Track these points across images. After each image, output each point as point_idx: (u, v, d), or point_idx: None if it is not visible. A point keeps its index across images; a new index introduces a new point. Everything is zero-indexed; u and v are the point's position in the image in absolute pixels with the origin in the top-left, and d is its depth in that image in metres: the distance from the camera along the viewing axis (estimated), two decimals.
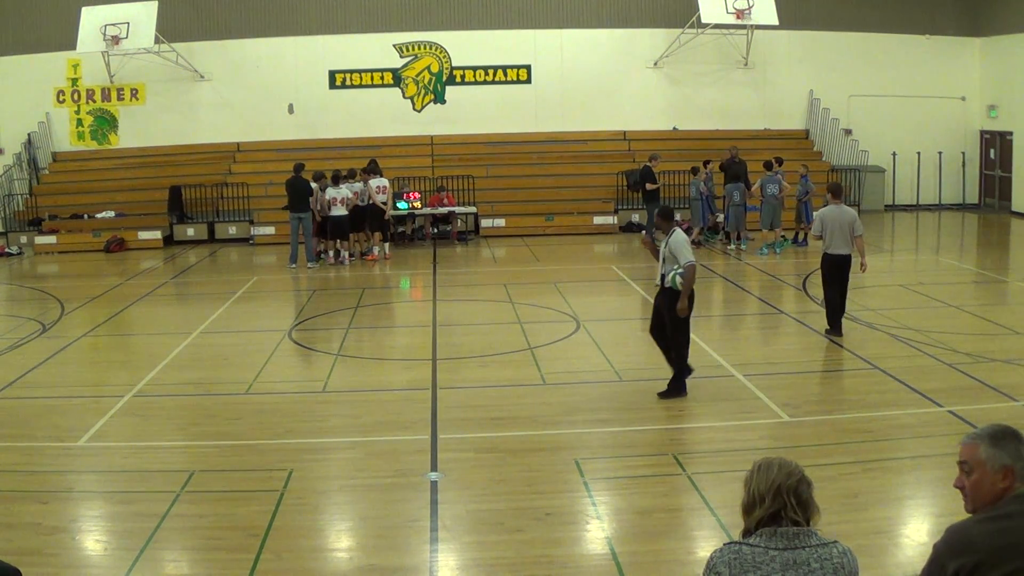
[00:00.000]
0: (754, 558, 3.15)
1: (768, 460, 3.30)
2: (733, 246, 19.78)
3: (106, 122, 24.48)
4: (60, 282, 18.41)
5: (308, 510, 7.21)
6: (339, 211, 18.44)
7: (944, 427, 8.65)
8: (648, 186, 19.88)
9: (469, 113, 24.80)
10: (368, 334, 13.50)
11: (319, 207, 18.50)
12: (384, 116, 24.61)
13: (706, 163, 20.27)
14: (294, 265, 18.51)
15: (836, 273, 11.91)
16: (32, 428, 9.14)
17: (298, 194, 18.42)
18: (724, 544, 3.28)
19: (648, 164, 20.05)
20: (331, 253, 18.98)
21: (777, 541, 3.16)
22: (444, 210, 21.79)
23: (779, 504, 3.21)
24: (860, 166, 24.48)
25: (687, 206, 20.73)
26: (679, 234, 9.56)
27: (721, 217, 20.80)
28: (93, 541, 6.76)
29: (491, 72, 25.02)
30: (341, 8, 24.52)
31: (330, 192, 18.38)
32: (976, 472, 3.24)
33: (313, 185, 18.54)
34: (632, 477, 7.76)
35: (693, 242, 20.01)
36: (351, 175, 19.43)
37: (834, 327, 12.03)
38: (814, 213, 14.91)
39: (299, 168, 18.70)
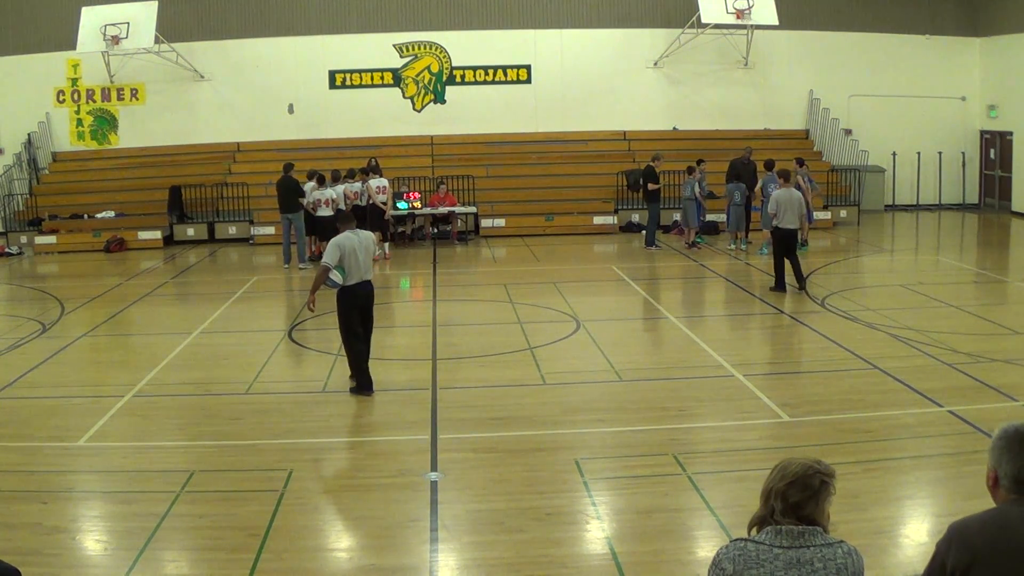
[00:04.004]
0: (758, 555, 3.16)
1: (785, 459, 3.31)
2: (733, 246, 19.78)
3: (106, 122, 24.47)
4: (60, 282, 18.41)
5: (308, 510, 7.21)
6: (324, 212, 18.39)
7: (944, 427, 8.66)
8: (650, 186, 19.86)
9: (469, 113, 24.79)
10: None
11: (310, 203, 18.41)
12: (384, 116, 24.60)
13: (699, 162, 20.22)
14: (287, 266, 18.47)
15: (787, 243, 14.75)
16: (32, 428, 9.14)
17: (286, 194, 18.37)
18: (731, 540, 3.29)
19: (651, 164, 20.04)
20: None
21: (782, 539, 3.17)
22: (444, 210, 21.78)
23: (768, 508, 3.23)
24: (860, 166, 24.47)
25: (679, 206, 20.67)
26: (337, 236, 9.91)
27: (722, 218, 20.83)
28: (93, 541, 6.76)
29: (491, 72, 25.01)
30: (341, 8, 24.51)
31: (315, 193, 18.31)
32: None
33: (310, 184, 18.49)
34: (632, 477, 7.76)
35: (687, 243, 20.11)
36: (351, 175, 19.42)
37: (779, 286, 14.83)
38: (773, 193, 15.47)
39: (288, 168, 18.64)
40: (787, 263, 14.87)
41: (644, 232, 20.67)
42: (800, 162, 19.58)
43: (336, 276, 9.72)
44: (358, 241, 9.84)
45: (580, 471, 7.77)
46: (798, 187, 18.70)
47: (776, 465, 3.30)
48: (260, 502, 7.24)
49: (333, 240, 9.87)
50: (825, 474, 3.23)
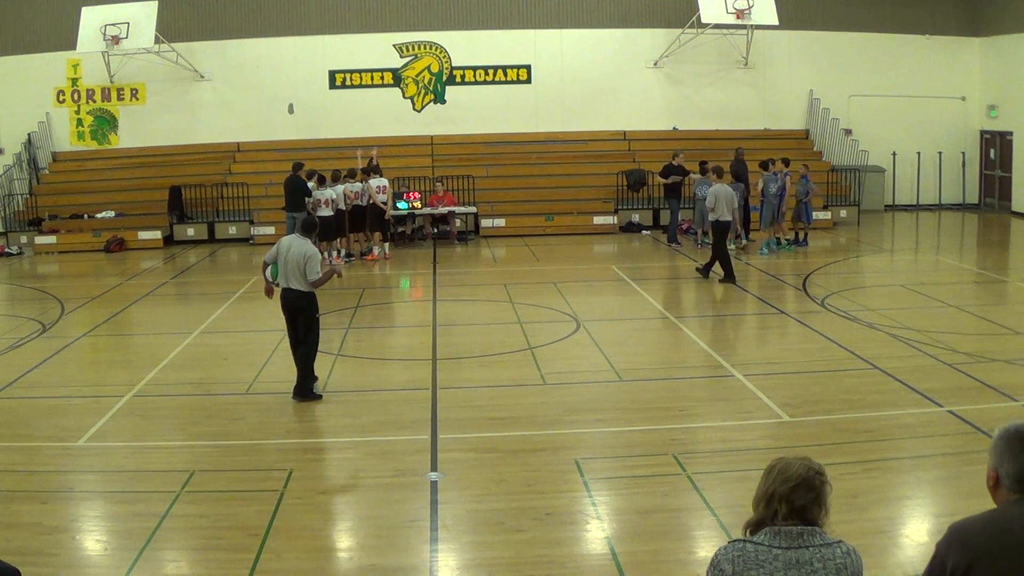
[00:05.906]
0: (757, 556, 3.15)
1: (779, 461, 3.28)
2: (733, 246, 19.73)
3: (106, 122, 24.47)
4: (60, 282, 18.41)
5: (308, 510, 7.20)
6: (324, 212, 18.32)
7: (944, 427, 8.66)
8: (672, 178, 20.11)
9: (469, 113, 24.79)
10: (368, 334, 13.50)
11: (310, 203, 18.36)
12: (384, 116, 24.59)
13: (702, 163, 20.20)
14: None
15: (724, 235, 16.23)
16: (32, 428, 9.14)
17: (293, 193, 18.36)
18: (729, 541, 3.28)
19: (672, 163, 20.23)
20: (326, 255, 18.95)
21: (781, 540, 3.16)
22: (444, 210, 21.78)
23: (770, 511, 3.21)
24: (860, 166, 24.47)
25: (691, 206, 20.64)
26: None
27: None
28: (93, 541, 6.76)
29: (491, 72, 25.01)
30: (341, 8, 24.51)
31: (316, 193, 18.27)
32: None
33: (310, 184, 18.49)
34: (632, 477, 7.76)
35: (698, 243, 20.06)
36: (351, 175, 19.41)
37: (705, 271, 16.22)
38: (708, 189, 16.64)
39: (297, 167, 18.64)
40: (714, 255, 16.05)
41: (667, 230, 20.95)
42: (786, 162, 19.60)
43: (269, 273, 10.03)
44: (287, 246, 9.75)
45: (580, 471, 7.77)
46: (781, 185, 18.87)
47: (770, 467, 3.27)
48: (260, 502, 7.24)
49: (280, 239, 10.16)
50: (822, 473, 3.23)
